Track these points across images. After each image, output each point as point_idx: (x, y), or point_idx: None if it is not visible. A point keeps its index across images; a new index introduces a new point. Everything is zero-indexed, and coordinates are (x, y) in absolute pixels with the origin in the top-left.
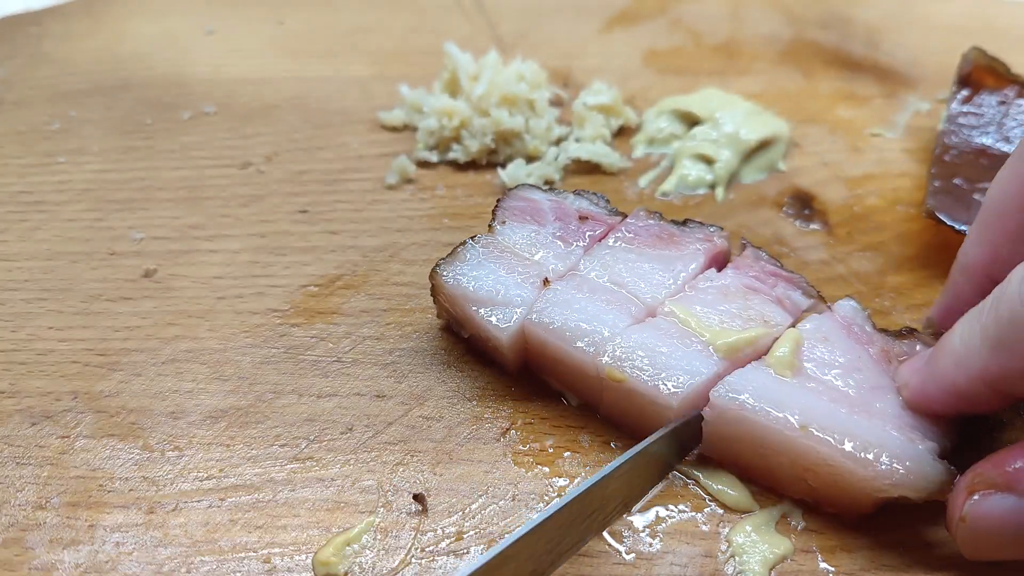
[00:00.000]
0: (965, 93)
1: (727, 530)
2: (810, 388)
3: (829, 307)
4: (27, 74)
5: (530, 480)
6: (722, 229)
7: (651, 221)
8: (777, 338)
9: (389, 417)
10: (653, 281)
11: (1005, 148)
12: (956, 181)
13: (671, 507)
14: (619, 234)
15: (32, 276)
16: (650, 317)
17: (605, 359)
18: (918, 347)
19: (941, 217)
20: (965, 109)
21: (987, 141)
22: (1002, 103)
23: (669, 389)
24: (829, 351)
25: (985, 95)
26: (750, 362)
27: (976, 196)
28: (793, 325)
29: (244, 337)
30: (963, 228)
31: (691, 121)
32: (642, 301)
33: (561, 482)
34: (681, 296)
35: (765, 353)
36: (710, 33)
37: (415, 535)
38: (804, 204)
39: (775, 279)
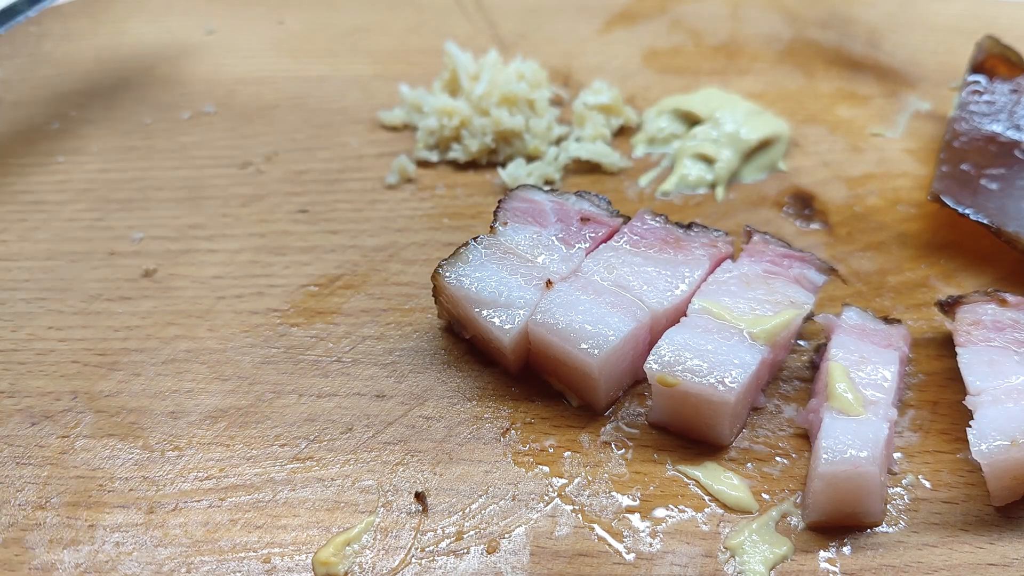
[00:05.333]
0: (977, 80)
1: (727, 530)
2: (881, 416)
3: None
4: (27, 74)
5: (530, 480)
6: (727, 234)
7: (656, 223)
8: (801, 316)
9: (389, 417)
10: (658, 285)
11: (1015, 136)
12: (964, 167)
13: (671, 507)
14: (624, 236)
15: (32, 276)
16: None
17: (654, 366)
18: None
19: (946, 201)
20: (977, 96)
21: (997, 128)
22: (1014, 91)
23: (725, 385)
24: (873, 368)
25: (998, 83)
26: (783, 351)
27: (983, 182)
28: (811, 317)
29: (244, 337)
30: (967, 212)
31: (691, 121)
32: (647, 304)
33: (561, 482)
34: (706, 291)
35: (796, 336)
36: (710, 33)
37: (415, 535)
38: (804, 204)
39: (789, 260)
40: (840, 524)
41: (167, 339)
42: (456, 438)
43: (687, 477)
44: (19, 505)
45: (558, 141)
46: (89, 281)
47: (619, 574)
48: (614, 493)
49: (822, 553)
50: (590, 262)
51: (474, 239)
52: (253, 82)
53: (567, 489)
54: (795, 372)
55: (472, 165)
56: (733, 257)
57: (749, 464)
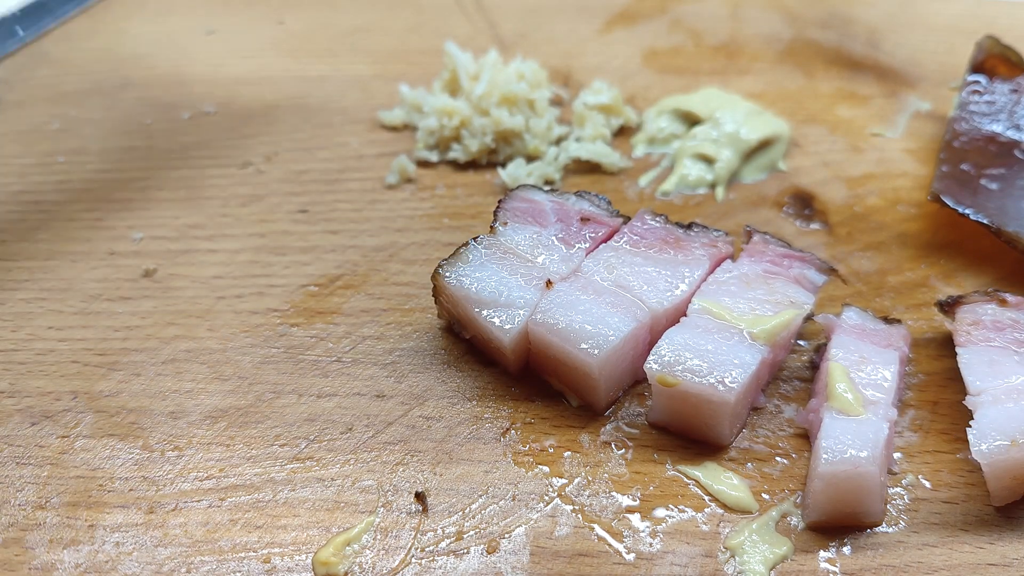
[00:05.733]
0: (977, 80)
1: (727, 530)
2: (881, 416)
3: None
4: (27, 74)
5: (530, 480)
6: (727, 234)
7: (656, 223)
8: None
9: (389, 417)
10: (658, 285)
11: (1015, 136)
12: (964, 167)
13: (671, 507)
14: (624, 236)
15: (32, 276)
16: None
17: (654, 366)
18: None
19: (946, 201)
20: (977, 96)
21: (997, 128)
22: (1014, 91)
23: (725, 385)
24: (873, 368)
25: (997, 83)
26: (783, 351)
27: (983, 182)
28: (811, 317)
29: (244, 337)
30: (967, 212)
31: (691, 121)
32: (647, 304)
33: (561, 482)
34: (706, 291)
35: (796, 336)
36: (710, 33)
37: (415, 535)
38: (804, 204)
39: (789, 260)
40: (840, 524)
41: (167, 339)
42: (456, 438)
43: (687, 477)
44: (19, 505)
45: (558, 141)
46: (89, 281)
47: (619, 574)
48: (614, 493)
49: (822, 553)
50: (590, 262)
51: (474, 239)
52: (253, 82)
53: (567, 489)
54: (795, 372)
55: (472, 165)
56: (733, 257)
57: (749, 464)
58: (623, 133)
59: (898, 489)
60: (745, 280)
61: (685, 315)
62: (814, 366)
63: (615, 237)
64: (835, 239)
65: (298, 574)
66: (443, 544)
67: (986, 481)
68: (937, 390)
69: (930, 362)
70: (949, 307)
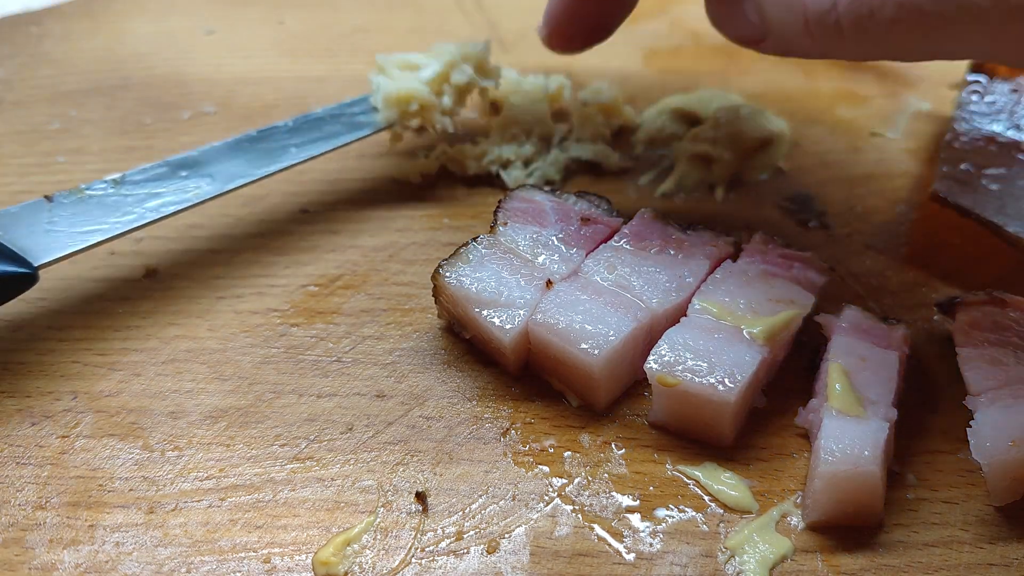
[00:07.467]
0: (978, 80)
1: (727, 530)
2: (881, 416)
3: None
4: (27, 74)
5: (530, 480)
6: (727, 234)
7: (656, 224)
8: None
9: (389, 417)
10: (659, 285)
11: (1015, 136)
12: (964, 167)
13: (671, 507)
14: (624, 236)
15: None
16: (682, 316)
17: (654, 366)
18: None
19: (946, 201)
20: (977, 96)
21: (997, 128)
22: (1014, 91)
23: (726, 385)
24: (873, 368)
25: (998, 83)
26: (783, 351)
27: (983, 182)
28: (811, 316)
29: (244, 337)
30: (967, 212)
31: (691, 121)
32: (647, 304)
33: (561, 482)
34: (706, 291)
35: (796, 336)
36: (710, 33)
37: (415, 535)
38: (804, 204)
39: (789, 260)
40: (840, 524)
41: (167, 339)
42: (456, 438)
43: (687, 477)
44: (19, 505)
45: (558, 141)
46: (89, 281)
47: (619, 574)
48: (614, 493)
49: (822, 553)
50: (590, 262)
51: (474, 239)
52: (253, 82)
53: (567, 489)
54: (795, 372)
55: None
56: (733, 257)
57: (749, 464)
58: (623, 133)
59: (898, 489)
60: (745, 280)
61: (685, 315)
62: (814, 366)
63: (615, 237)
64: (835, 239)
65: (298, 574)
66: (443, 544)
67: (986, 481)
68: (937, 390)
69: (930, 362)
70: (949, 307)
